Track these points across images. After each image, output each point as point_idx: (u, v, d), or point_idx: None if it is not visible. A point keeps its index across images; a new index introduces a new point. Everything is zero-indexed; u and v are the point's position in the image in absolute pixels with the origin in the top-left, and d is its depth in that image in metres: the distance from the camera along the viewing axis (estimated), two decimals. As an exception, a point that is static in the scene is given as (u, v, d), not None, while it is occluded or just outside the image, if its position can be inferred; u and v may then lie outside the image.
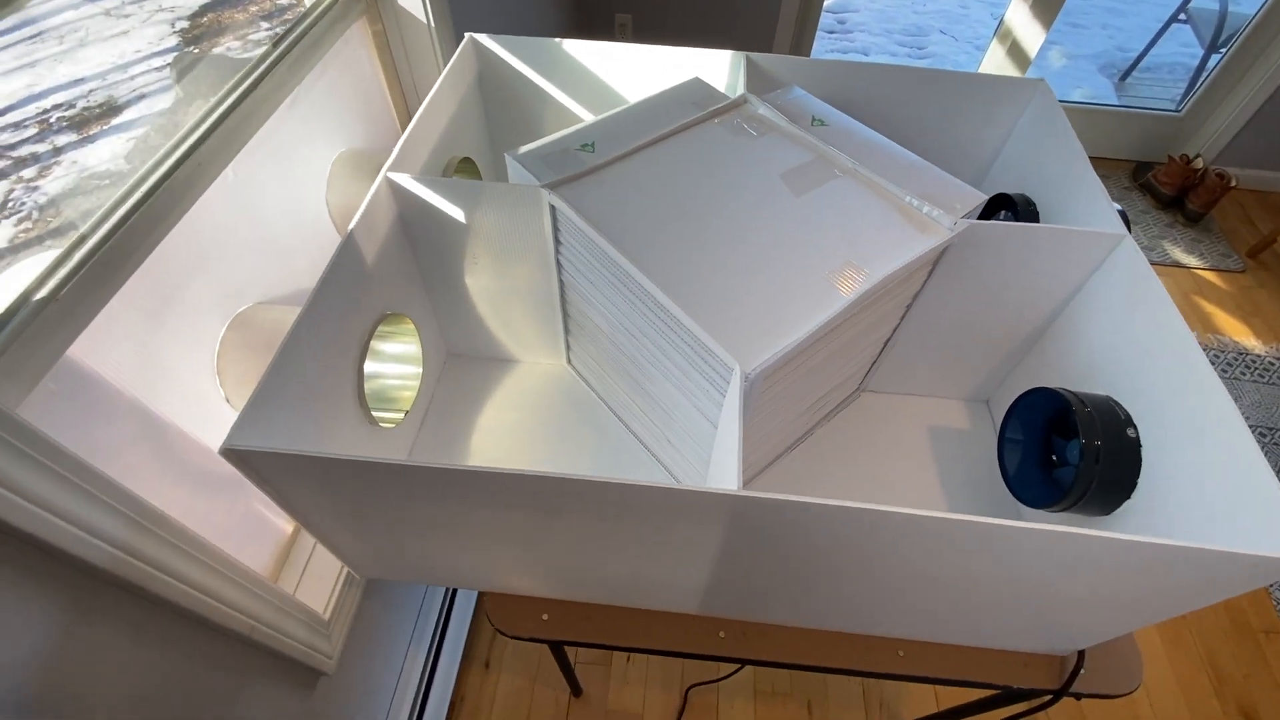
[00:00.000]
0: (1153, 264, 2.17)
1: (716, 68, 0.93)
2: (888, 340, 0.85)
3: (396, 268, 0.77)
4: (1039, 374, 0.82)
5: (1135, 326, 0.66)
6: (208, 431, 0.70)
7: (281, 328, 0.62)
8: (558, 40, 0.93)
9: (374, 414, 0.76)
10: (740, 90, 0.86)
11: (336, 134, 0.91)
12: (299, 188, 0.84)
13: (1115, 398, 0.67)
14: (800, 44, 2.23)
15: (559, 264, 0.79)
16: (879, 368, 0.90)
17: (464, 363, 0.97)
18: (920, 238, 0.68)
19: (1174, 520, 0.58)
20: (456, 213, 0.74)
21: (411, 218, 0.76)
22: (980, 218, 0.96)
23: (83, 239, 0.53)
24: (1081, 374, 0.73)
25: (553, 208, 0.71)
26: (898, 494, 0.84)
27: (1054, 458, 0.73)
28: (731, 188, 0.72)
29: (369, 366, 0.82)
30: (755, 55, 0.91)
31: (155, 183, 0.59)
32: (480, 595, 1.37)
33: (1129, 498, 0.64)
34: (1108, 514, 0.66)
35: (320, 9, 0.82)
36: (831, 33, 3.47)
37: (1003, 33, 2.24)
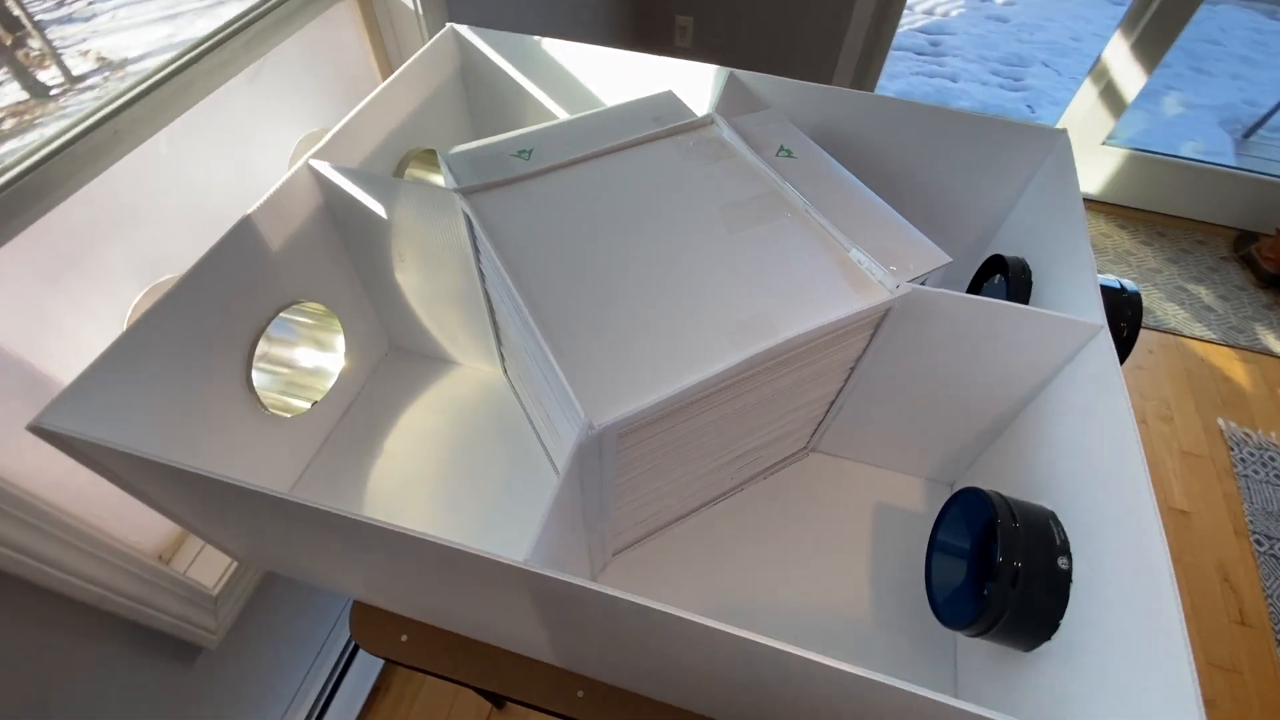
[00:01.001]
0: (1239, 349, 1.92)
1: (702, 81, 0.87)
2: (833, 400, 0.76)
3: (318, 255, 0.75)
4: (998, 469, 0.71)
5: (1090, 439, 0.55)
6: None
7: None
8: (538, 39, 0.88)
9: (275, 402, 0.75)
10: (712, 106, 0.79)
11: (309, 115, 0.91)
12: (253, 165, 0.83)
13: (1060, 516, 0.56)
14: (867, 69, 2.10)
15: (480, 272, 0.75)
16: (828, 429, 0.81)
17: (405, 358, 0.95)
18: (852, 297, 0.59)
19: (1087, 679, 0.47)
20: (377, 208, 0.71)
21: (337, 207, 0.74)
22: (974, 280, 0.86)
23: (-40, 194, 0.53)
24: (1035, 481, 0.63)
25: (466, 214, 0.67)
26: (809, 575, 0.75)
27: (989, 572, 0.62)
28: (662, 216, 0.66)
29: (283, 353, 0.80)
30: (741, 73, 0.84)
31: (57, 147, 0.59)
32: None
33: (1049, 638, 0.53)
34: (1025, 650, 0.56)
35: (289, -13, 0.81)
36: (921, 55, 3.28)
37: (1098, 71, 2.02)
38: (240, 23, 0.75)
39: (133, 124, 0.65)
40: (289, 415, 0.75)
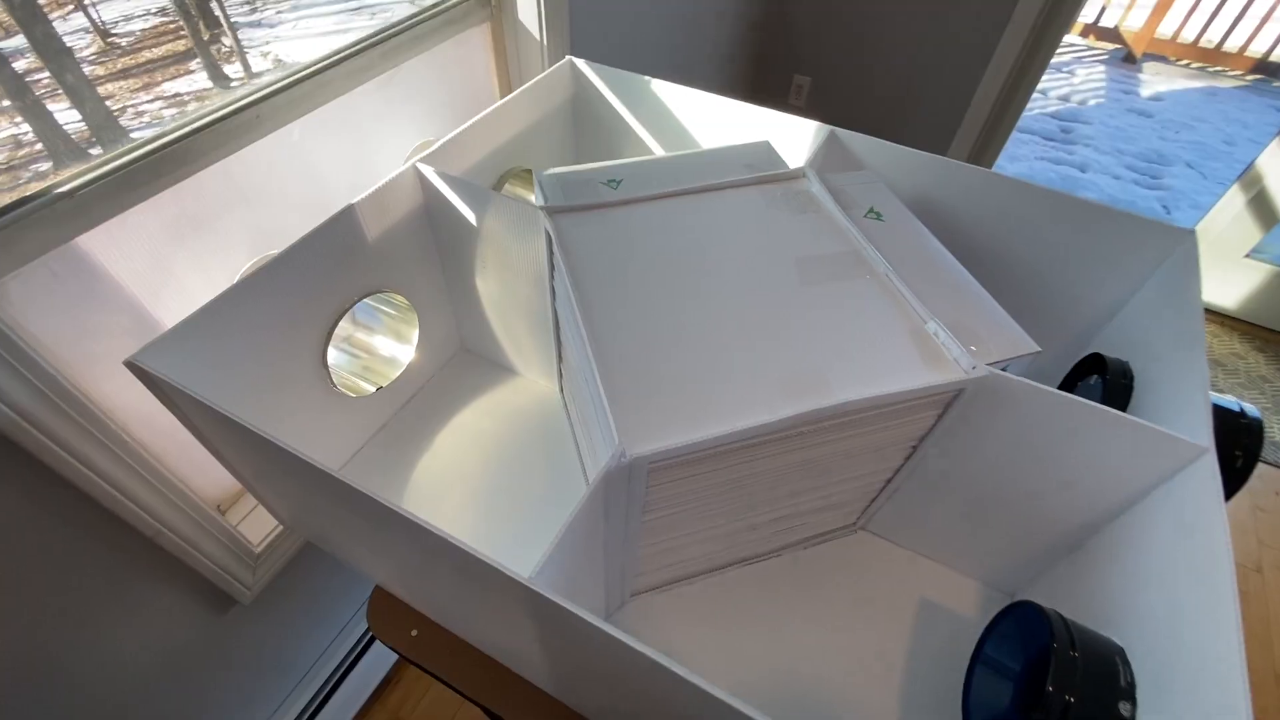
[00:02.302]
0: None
1: (802, 136, 0.86)
2: (889, 479, 0.72)
3: (409, 251, 0.79)
4: (1065, 587, 0.64)
5: (1177, 576, 0.48)
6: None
7: None
8: (648, 79, 0.92)
9: (346, 381, 0.79)
10: (807, 161, 0.79)
11: (430, 123, 0.98)
12: (371, 162, 0.90)
13: (1129, 655, 0.50)
14: (986, 147, 2.04)
15: (552, 290, 0.77)
16: (880, 509, 0.76)
17: (472, 361, 0.98)
18: (921, 371, 0.56)
19: None
20: (469, 215, 0.75)
21: (435, 209, 0.78)
22: (1067, 379, 0.79)
23: (122, 153, 0.61)
24: (1105, 609, 0.56)
25: (547, 232, 0.69)
26: (836, 660, 0.69)
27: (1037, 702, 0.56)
28: (735, 259, 0.65)
29: (365, 338, 0.85)
30: (842, 131, 0.83)
31: (207, 123, 0.66)
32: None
33: (1098, 795, 0.46)
34: (1068, 804, 0.49)
35: (431, 9, 0.89)
36: (1049, 140, 3.14)
37: (1249, 177, 1.86)
38: (383, 35, 0.83)
39: (273, 111, 0.72)
40: (354, 396, 0.79)
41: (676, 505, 0.60)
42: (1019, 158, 2.99)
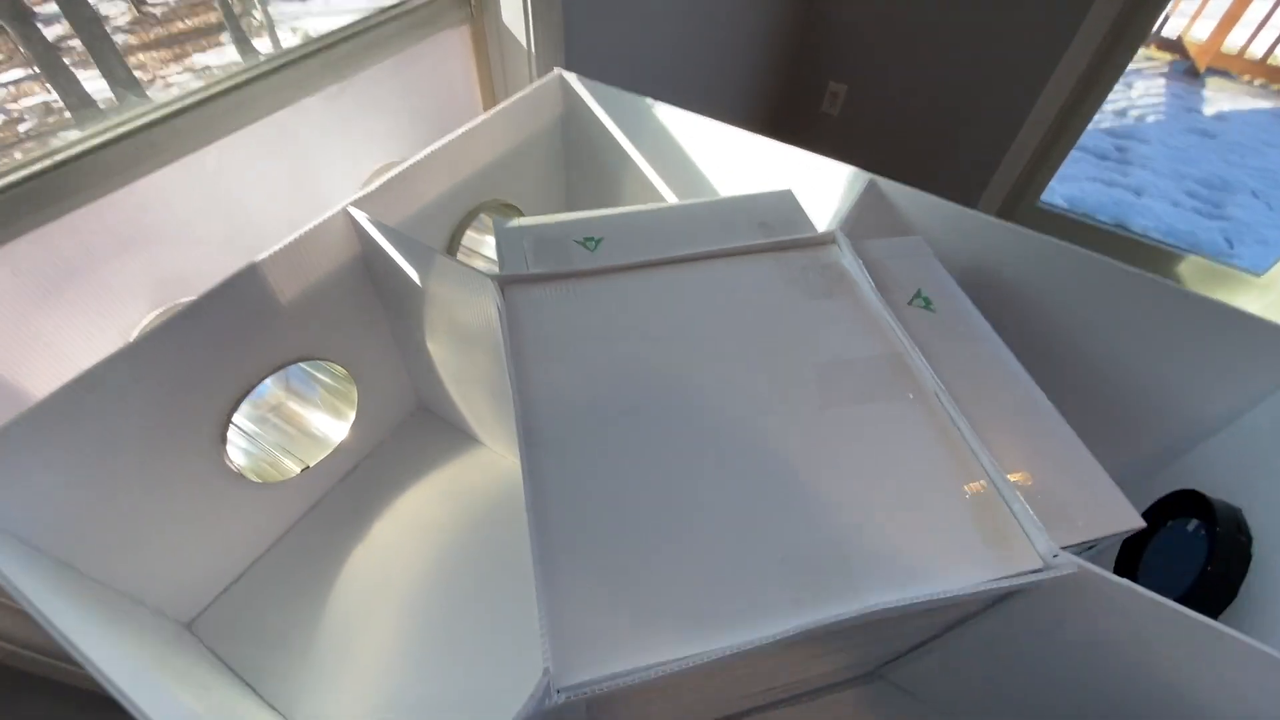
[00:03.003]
0: None
1: (832, 183, 0.70)
2: (923, 643, 0.56)
3: (344, 310, 0.65)
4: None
5: None
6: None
7: None
8: (651, 101, 0.76)
9: (264, 460, 0.66)
10: (840, 221, 0.63)
11: (394, 141, 0.83)
12: (315, 190, 0.76)
13: None
14: (1037, 169, 1.84)
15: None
16: (907, 665, 0.61)
17: (430, 423, 0.84)
18: (981, 554, 0.41)
19: None
20: (411, 273, 0.61)
21: (375, 261, 0.64)
22: (1149, 513, 0.63)
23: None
24: None
25: (499, 309, 0.55)
26: None
27: None
28: (738, 363, 0.50)
29: (294, 406, 0.71)
30: (884, 182, 0.67)
31: (79, 153, 0.52)
32: None
33: None
34: None
35: (391, 10, 0.74)
36: (1104, 159, 2.91)
37: (1339, 223, 1.65)
38: (325, 42, 0.68)
39: (174, 137, 0.58)
40: (265, 482, 0.65)
41: (637, 711, 0.45)
42: (1070, 177, 2.76)
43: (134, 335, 0.64)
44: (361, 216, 0.59)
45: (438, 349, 0.70)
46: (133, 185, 0.57)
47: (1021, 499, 0.43)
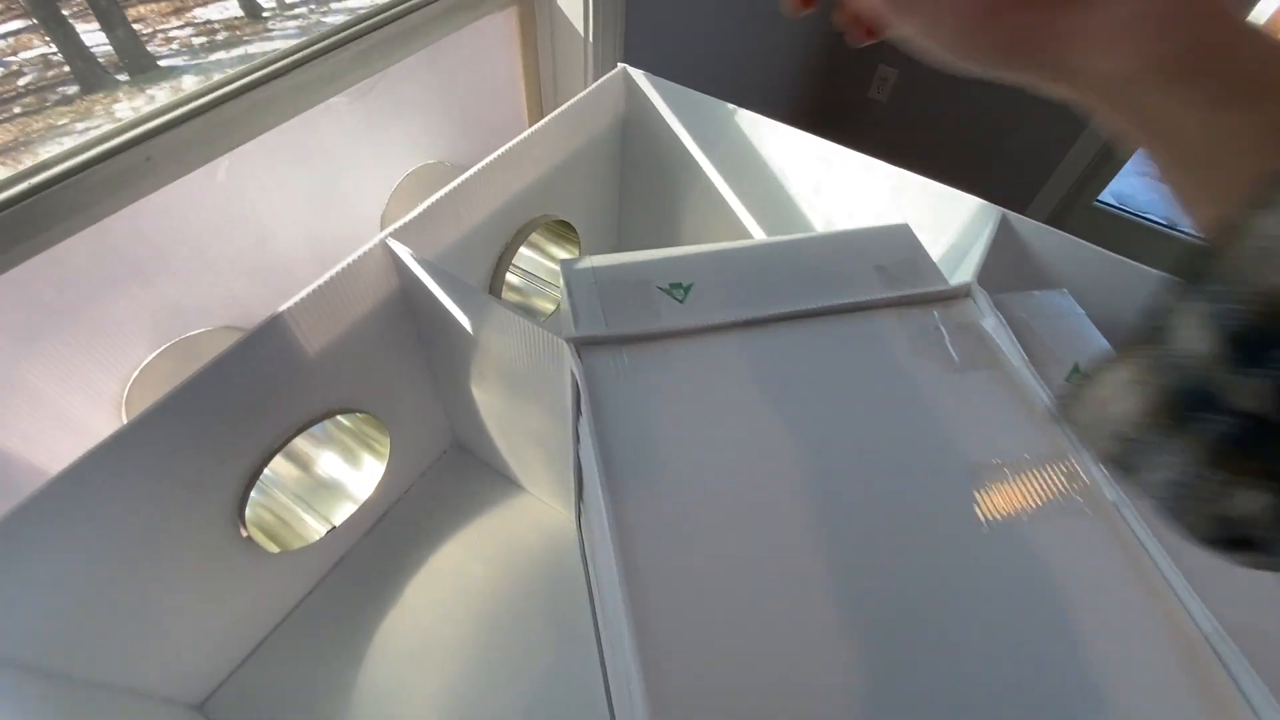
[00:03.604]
0: None
1: (953, 213, 0.60)
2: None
3: (379, 352, 0.56)
4: None
5: None
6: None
7: None
8: (733, 108, 0.65)
9: (279, 520, 0.57)
10: (975, 269, 0.53)
11: (430, 140, 0.72)
12: (342, 200, 0.66)
13: None
14: (1097, 174, 1.72)
15: (577, 435, 0.53)
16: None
17: (465, 463, 0.75)
18: (1211, 749, 0.32)
19: None
20: (463, 319, 0.51)
21: (417, 298, 0.54)
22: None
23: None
24: None
25: (574, 376, 0.45)
26: None
27: None
28: (869, 465, 0.41)
29: (308, 448, 0.62)
30: (1017, 218, 0.56)
31: (58, 174, 0.42)
32: None
33: None
34: None
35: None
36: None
37: None
38: (355, 29, 0.57)
39: (174, 150, 0.48)
40: (290, 549, 0.57)
41: None
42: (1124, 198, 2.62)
43: (134, 377, 0.55)
44: (404, 252, 0.49)
45: (485, 396, 0.60)
46: (129, 207, 0.47)
47: (1246, 661, 0.34)
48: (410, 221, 0.51)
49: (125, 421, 0.56)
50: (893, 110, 1.86)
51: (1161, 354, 0.14)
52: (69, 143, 0.45)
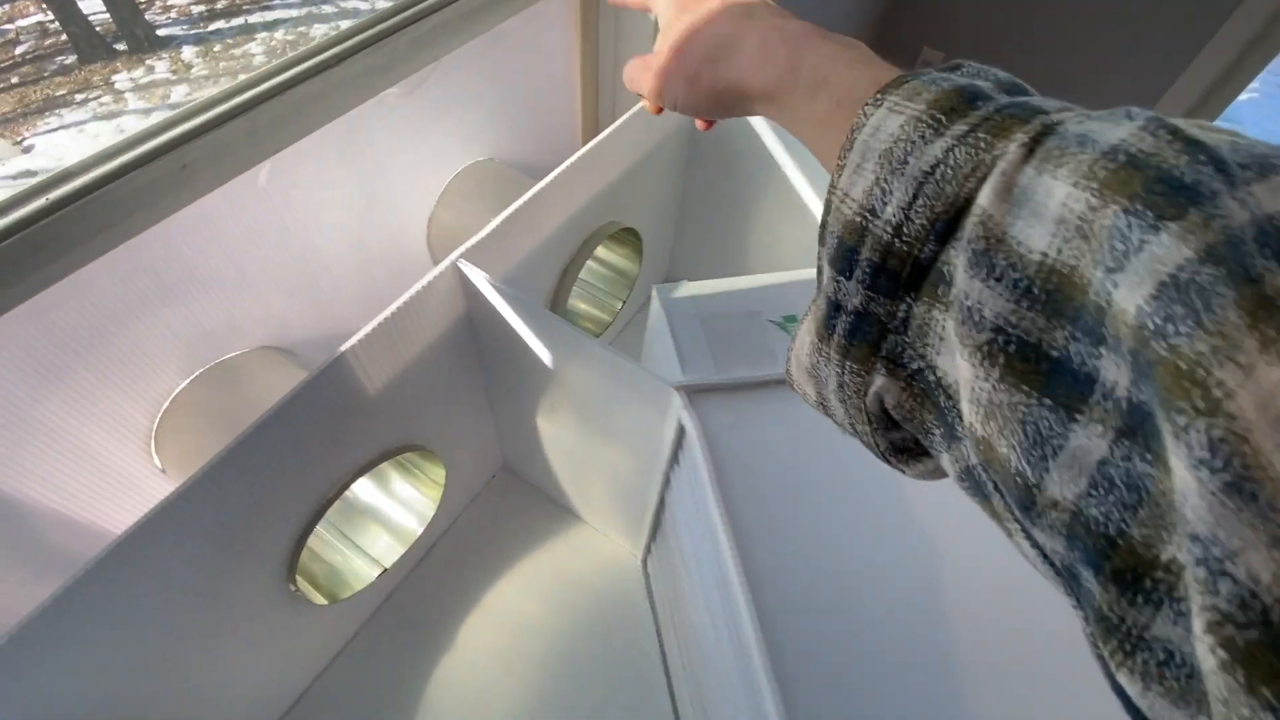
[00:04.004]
0: None
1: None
2: None
3: (439, 384, 0.50)
4: None
5: None
6: (112, 513, 0.49)
7: (272, 396, 0.39)
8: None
9: (338, 566, 0.52)
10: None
11: (480, 139, 0.65)
12: (387, 202, 0.59)
13: None
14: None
15: (667, 480, 0.47)
16: None
17: (516, 488, 0.69)
18: None
19: None
20: (543, 353, 0.45)
21: (483, 323, 0.48)
22: None
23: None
24: None
25: (682, 426, 0.39)
26: None
27: None
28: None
29: (362, 494, 0.57)
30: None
31: (80, 188, 0.36)
32: None
33: None
34: None
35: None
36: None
37: None
38: (416, 8, 0.50)
39: (214, 155, 0.41)
40: (339, 598, 0.51)
41: None
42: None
43: (165, 408, 0.49)
44: (479, 277, 0.43)
45: (554, 429, 0.54)
46: (158, 225, 0.41)
47: None
48: (481, 240, 0.45)
49: (156, 458, 0.50)
50: (934, 97, 1.77)
51: (817, 293, 0.18)
52: (68, 115, 0.39)
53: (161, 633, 0.38)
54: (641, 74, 0.26)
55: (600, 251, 0.71)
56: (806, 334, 0.19)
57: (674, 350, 0.41)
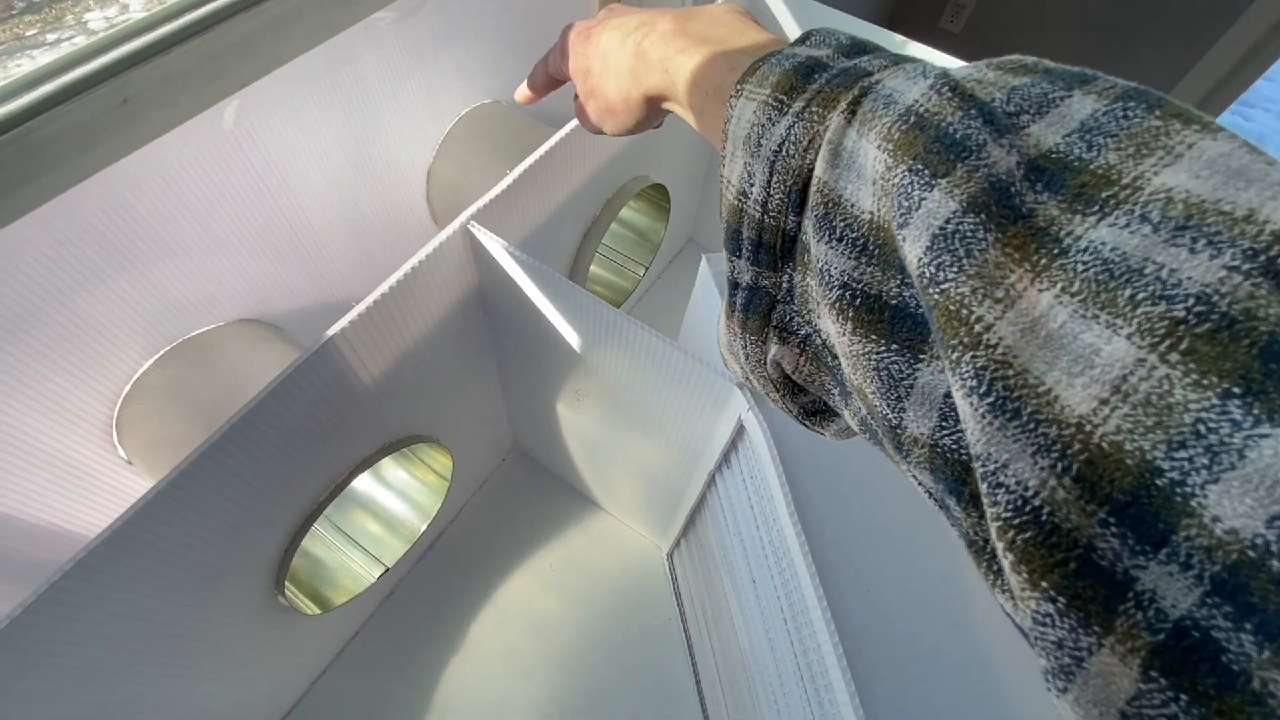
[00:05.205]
0: None
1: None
2: None
3: (446, 368, 0.43)
4: None
5: None
6: (69, 509, 0.43)
7: (251, 377, 0.32)
8: (894, 36, 0.50)
9: (336, 568, 0.46)
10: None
11: (484, 77, 0.57)
12: (380, 151, 0.51)
13: None
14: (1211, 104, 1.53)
15: (712, 479, 0.41)
16: None
17: (528, 470, 0.63)
18: None
19: None
20: (570, 335, 0.38)
21: (496, 293, 0.41)
22: None
23: None
24: None
25: (742, 424, 0.33)
26: None
27: None
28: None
29: (362, 489, 0.50)
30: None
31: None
32: None
33: None
34: None
35: None
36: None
37: None
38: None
39: (162, 87, 0.33)
40: (334, 605, 0.46)
41: None
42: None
43: (125, 392, 0.42)
44: (494, 244, 0.35)
45: (577, 417, 0.48)
46: (103, 171, 0.33)
47: None
48: (494, 199, 0.37)
49: (120, 449, 0.43)
50: (966, 44, 1.65)
51: (726, 276, 0.20)
52: (40, 57, 0.31)
53: (133, 654, 0.32)
54: (581, 115, 0.28)
55: (624, 212, 0.63)
56: (720, 314, 0.21)
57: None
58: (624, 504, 0.58)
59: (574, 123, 0.41)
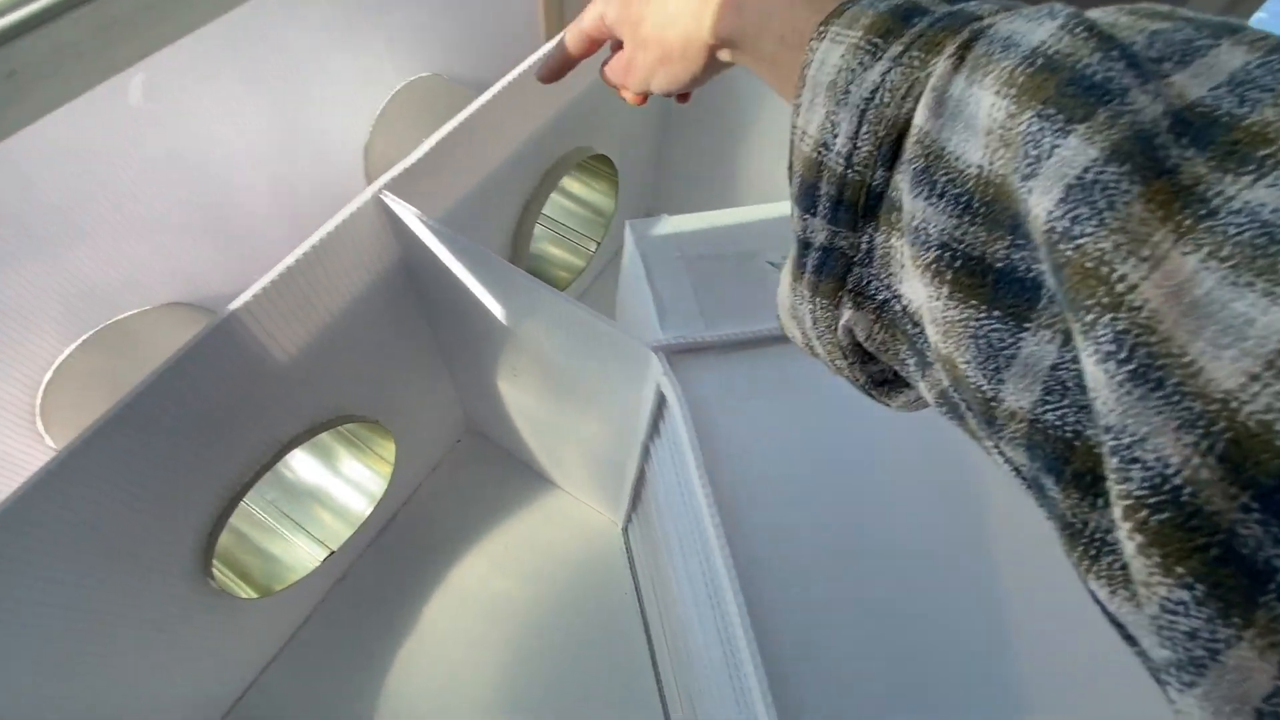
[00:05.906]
0: None
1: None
2: None
3: (372, 344, 0.42)
4: None
5: None
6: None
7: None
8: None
9: (277, 552, 0.45)
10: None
11: (422, 50, 0.55)
12: (310, 126, 0.50)
13: None
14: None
15: (647, 451, 0.40)
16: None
17: (483, 451, 0.63)
18: None
19: None
20: (494, 307, 0.37)
21: (421, 268, 0.40)
22: None
23: None
24: None
25: (661, 394, 0.32)
26: None
27: None
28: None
29: (301, 470, 0.50)
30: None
31: None
32: None
33: None
34: None
35: None
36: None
37: None
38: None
39: (50, 58, 0.32)
40: (274, 590, 0.45)
41: None
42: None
43: (48, 379, 0.41)
44: (407, 212, 0.34)
45: (516, 394, 0.47)
46: (5, 152, 0.32)
47: None
48: (411, 167, 0.36)
49: (46, 437, 0.43)
50: None
51: (794, 234, 0.18)
52: None
53: (58, 642, 0.32)
54: (628, 72, 0.26)
55: (571, 185, 0.62)
56: (785, 274, 0.19)
57: (652, 301, 0.33)
58: (576, 480, 0.58)
59: (497, 87, 0.40)
